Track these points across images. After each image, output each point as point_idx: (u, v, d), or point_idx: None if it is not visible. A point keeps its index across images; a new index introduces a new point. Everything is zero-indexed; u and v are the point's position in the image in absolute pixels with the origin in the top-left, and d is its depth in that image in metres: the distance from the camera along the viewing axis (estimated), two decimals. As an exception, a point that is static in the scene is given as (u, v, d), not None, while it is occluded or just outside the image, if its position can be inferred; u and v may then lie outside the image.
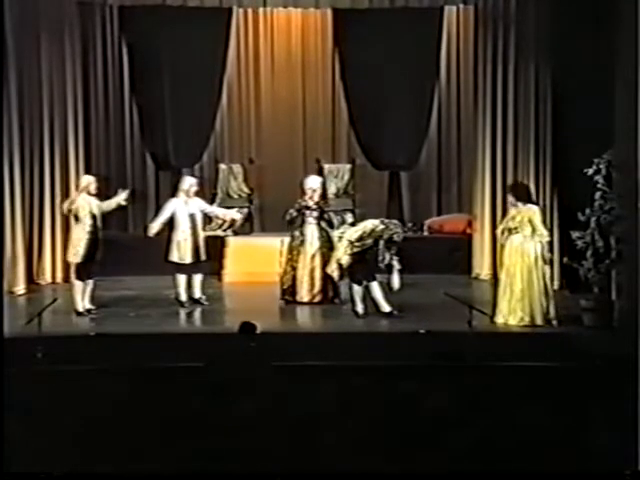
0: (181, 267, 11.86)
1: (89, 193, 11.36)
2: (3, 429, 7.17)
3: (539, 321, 10.78)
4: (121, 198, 11.59)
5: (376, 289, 11.35)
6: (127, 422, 7.40)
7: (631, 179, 10.23)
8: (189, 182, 12.07)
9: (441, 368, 8.49)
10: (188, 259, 11.79)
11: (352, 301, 11.47)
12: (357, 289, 11.40)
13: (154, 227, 11.85)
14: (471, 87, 14.33)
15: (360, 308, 11.35)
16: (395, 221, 11.66)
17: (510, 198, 11.05)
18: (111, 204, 11.57)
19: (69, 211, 11.32)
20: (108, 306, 11.84)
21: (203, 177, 15.60)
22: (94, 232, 11.25)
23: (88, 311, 11.41)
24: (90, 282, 11.44)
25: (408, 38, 14.79)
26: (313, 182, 12.23)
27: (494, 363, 8.60)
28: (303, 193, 12.14)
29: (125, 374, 8.19)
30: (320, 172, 14.66)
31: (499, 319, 10.86)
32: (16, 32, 12.67)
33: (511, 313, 10.81)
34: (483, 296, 12.06)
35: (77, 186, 11.92)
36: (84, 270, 11.34)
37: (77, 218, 11.24)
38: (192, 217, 11.85)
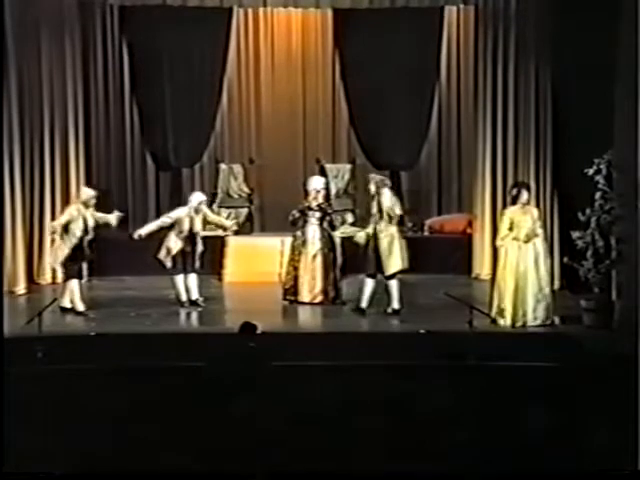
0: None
1: (86, 205, 11.40)
2: (3, 429, 7.17)
3: (557, 319, 10.84)
4: (112, 218, 11.63)
5: (395, 286, 11.32)
6: (127, 422, 7.41)
7: (631, 179, 10.24)
8: (198, 199, 11.97)
9: (441, 368, 8.50)
10: None
11: (359, 296, 11.38)
12: (369, 282, 11.35)
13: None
14: (471, 87, 14.31)
15: (365, 305, 11.31)
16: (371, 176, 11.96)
17: (526, 195, 10.96)
18: (102, 219, 11.57)
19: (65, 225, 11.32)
20: (108, 306, 11.86)
21: (203, 177, 15.66)
22: (80, 240, 11.29)
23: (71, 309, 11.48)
24: (75, 281, 11.47)
25: (408, 38, 14.82)
26: (317, 183, 12.20)
27: (494, 363, 8.61)
28: (307, 194, 12.13)
29: (125, 373, 8.20)
30: (322, 171, 14.66)
31: (507, 321, 10.81)
32: (16, 32, 12.67)
33: (524, 315, 10.74)
34: (484, 296, 12.03)
35: (77, 196, 11.93)
36: (71, 269, 11.40)
37: (67, 229, 11.28)
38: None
